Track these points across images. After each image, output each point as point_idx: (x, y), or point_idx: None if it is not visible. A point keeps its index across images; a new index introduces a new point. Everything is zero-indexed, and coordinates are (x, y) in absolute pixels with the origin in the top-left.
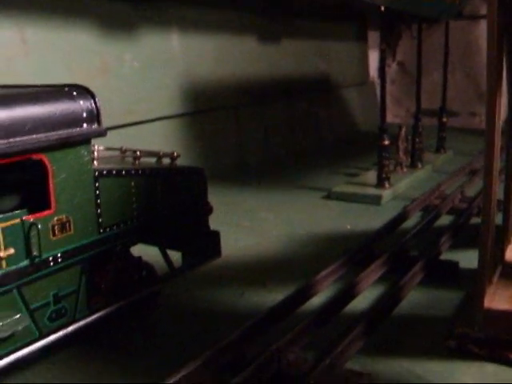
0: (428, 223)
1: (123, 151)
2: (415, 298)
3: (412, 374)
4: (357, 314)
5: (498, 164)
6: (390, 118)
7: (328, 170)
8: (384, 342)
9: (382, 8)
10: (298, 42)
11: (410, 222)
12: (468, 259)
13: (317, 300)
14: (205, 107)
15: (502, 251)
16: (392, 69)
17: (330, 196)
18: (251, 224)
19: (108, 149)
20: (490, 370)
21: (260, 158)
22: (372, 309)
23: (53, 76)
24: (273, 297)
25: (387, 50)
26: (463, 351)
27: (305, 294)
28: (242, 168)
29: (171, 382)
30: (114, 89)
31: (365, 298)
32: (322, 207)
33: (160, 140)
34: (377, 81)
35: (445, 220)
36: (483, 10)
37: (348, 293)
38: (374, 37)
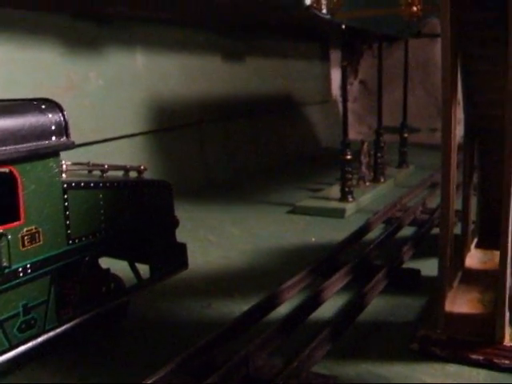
0: (390, 234)
1: (90, 165)
2: (379, 305)
3: (377, 376)
4: (323, 320)
5: (455, 176)
6: (352, 135)
7: (292, 186)
8: (349, 346)
9: (343, 26)
10: (261, 61)
11: (372, 234)
12: (429, 267)
13: (283, 308)
14: (170, 125)
15: (462, 258)
16: (354, 87)
17: (294, 211)
18: (217, 239)
19: (75, 163)
20: (452, 370)
21: (225, 175)
22: (337, 315)
23: (18, 93)
24: (240, 307)
25: (349, 69)
26: (426, 353)
27: (272, 302)
28: (207, 184)
29: None
30: (80, 106)
31: (330, 306)
32: (287, 221)
33: (125, 157)
34: (339, 99)
35: (407, 231)
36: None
37: (314, 300)
38: (336, 56)
